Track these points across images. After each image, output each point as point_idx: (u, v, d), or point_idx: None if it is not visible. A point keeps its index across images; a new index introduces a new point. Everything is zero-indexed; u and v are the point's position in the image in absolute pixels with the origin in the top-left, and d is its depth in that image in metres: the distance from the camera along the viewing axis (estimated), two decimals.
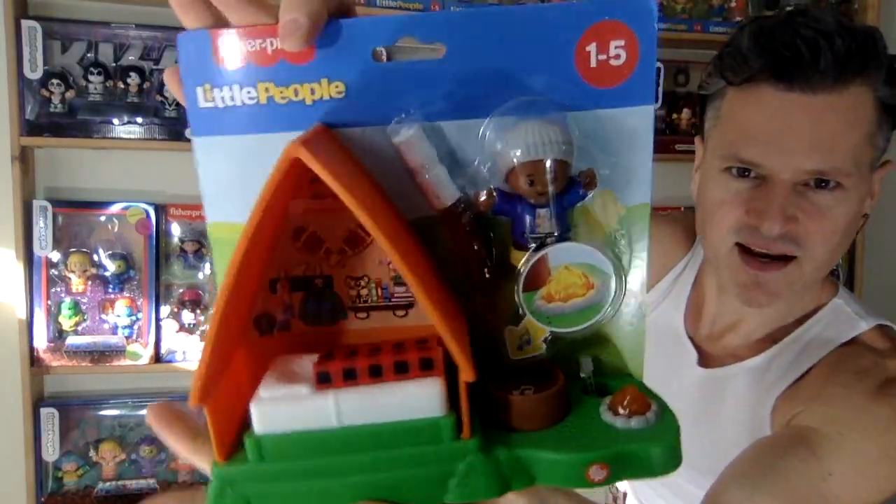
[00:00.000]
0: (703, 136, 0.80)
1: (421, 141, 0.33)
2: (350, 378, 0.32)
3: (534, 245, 0.35)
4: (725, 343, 0.84)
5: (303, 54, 0.32)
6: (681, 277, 0.91)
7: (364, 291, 0.37)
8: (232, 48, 0.32)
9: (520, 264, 0.35)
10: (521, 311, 0.36)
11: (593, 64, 0.33)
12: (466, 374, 0.31)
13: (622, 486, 1.43)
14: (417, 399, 0.32)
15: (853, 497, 0.63)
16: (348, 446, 0.32)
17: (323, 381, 0.32)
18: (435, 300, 0.31)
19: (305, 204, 0.35)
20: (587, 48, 0.33)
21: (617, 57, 0.33)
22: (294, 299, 0.36)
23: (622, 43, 0.32)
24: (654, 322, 0.92)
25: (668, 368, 0.89)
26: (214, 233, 0.35)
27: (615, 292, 0.35)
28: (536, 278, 0.35)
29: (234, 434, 0.33)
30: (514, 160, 0.33)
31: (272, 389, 0.32)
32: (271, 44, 0.32)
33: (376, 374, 0.32)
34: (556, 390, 0.35)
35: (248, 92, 0.33)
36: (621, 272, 0.35)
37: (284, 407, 0.32)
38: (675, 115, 1.67)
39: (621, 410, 0.34)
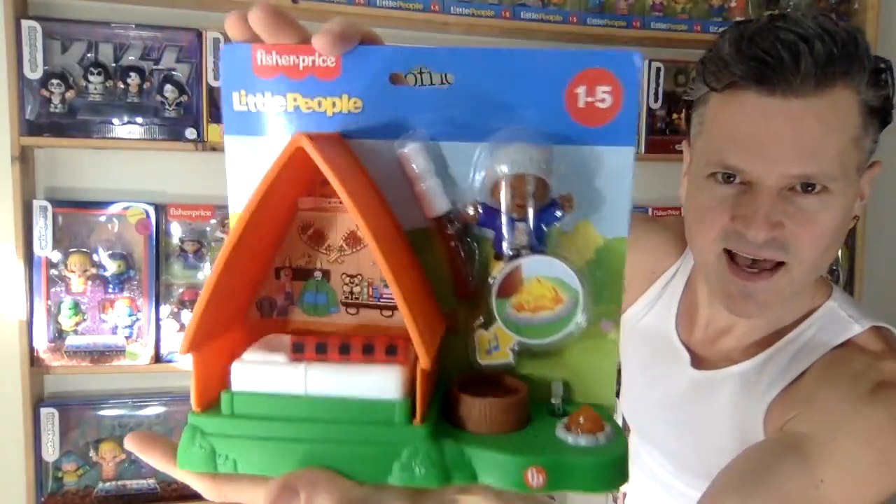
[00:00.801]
0: (689, 142, 0.80)
1: (420, 153, 0.37)
2: (321, 352, 0.36)
3: (510, 254, 0.38)
4: (719, 347, 0.83)
5: (330, 71, 0.37)
6: (671, 283, 0.91)
7: (357, 289, 0.40)
8: (269, 61, 0.37)
9: (494, 271, 0.38)
10: (492, 315, 0.38)
11: (581, 104, 0.37)
12: (424, 362, 0.33)
13: (622, 487, 1.43)
14: (379, 381, 0.35)
15: (845, 502, 0.63)
16: (309, 413, 0.35)
17: (297, 350, 0.36)
18: (404, 287, 0.33)
19: (314, 202, 0.40)
20: (576, 90, 0.37)
21: (602, 100, 0.37)
22: (295, 288, 0.40)
23: (608, 89, 0.36)
24: (645, 326, 0.92)
25: (661, 370, 0.89)
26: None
27: (581, 311, 0.38)
28: (509, 286, 0.38)
29: (217, 393, 0.37)
30: (500, 174, 0.37)
31: (254, 355, 0.36)
32: (303, 60, 0.37)
33: (345, 352, 0.36)
34: (510, 400, 0.37)
35: (279, 100, 0.37)
36: (588, 291, 0.38)
37: (260, 369, 0.36)
38: (675, 115, 1.68)
39: (574, 428, 0.36)
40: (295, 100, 0.38)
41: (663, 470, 0.90)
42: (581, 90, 0.37)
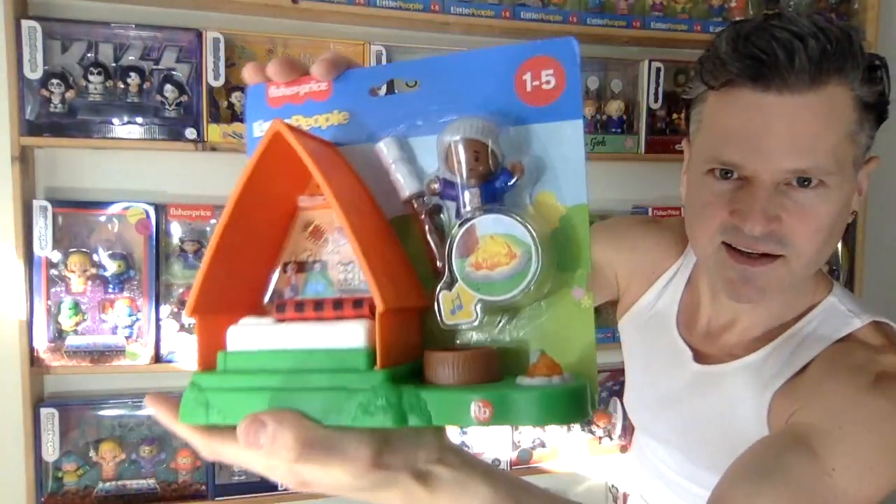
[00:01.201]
0: (689, 140, 0.81)
1: (392, 145, 0.44)
2: (300, 310, 0.42)
3: (466, 216, 0.41)
4: (721, 342, 0.85)
5: (323, 94, 0.46)
6: (672, 282, 0.92)
7: (350, 275, 0.44)
8: (278, 93, 0.47)
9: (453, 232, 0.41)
10: (453, 275, 0.41)
11: (529, 88, 0.41)
12: (379, 305, 0.36)
13: (623, 486, 1.44)
14: (346, 333, 0.39)
15: (858, 490, 0.63)
16: (288, 364, 0.39)
17: (280, 310, 0.42)
18: (360, 234, 0.37)
19: (312, 200, 0.46)
20: (524, 77, 0.41)
21: (548, 83, 0.41)
22: (299, 280, 0.46)
23: (552, 72, 0.41)
24: (647, 325, 0.94)
25: (664, 367, 0.90)
26: None
27: (535, 263, 0.39)
28: (466, 246, 0.40)
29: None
30: (449, 142, 0.41)
31: (248, 320, 0.43)
32: (303, 89, 0.46)
33: (319, 309, 0.41)
34: (474, 352, 0.39)
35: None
36: (538, 245, 0.39)
37: (251, 330, 0.42)
38: (675, 115, 1.67)
39: (531, 374, 0.38)
40: (297, 120, 0.46)
41: (666, 466, 0.90)
42: (528, 76, 0.41)
